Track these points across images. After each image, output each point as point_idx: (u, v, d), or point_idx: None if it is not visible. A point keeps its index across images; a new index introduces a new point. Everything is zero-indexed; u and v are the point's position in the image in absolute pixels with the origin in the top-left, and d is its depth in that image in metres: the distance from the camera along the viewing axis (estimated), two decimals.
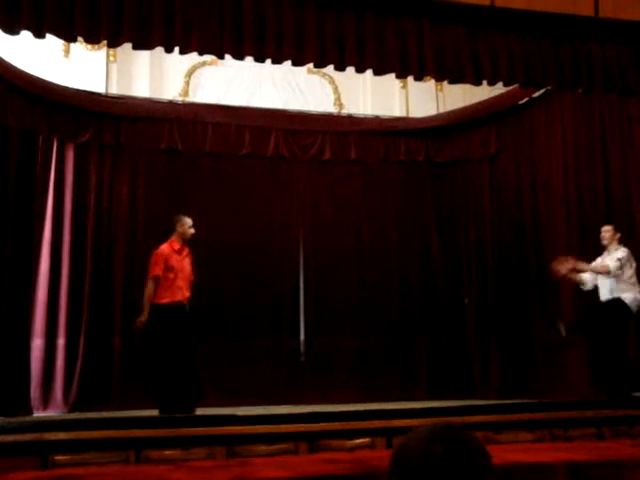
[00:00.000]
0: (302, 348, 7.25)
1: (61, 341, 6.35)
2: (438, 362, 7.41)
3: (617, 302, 5.53)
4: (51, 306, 6.38)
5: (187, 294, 5.46)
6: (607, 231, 5.77)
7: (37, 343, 6.24)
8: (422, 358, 7.42)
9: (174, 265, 5.37)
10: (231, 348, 6.92)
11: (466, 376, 7.32)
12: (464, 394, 7.03)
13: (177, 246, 5.49)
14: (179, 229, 5.52)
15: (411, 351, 7.42)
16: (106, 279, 6.71)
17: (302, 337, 7.27)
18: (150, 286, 5.30)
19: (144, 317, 5.25)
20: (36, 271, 6.34)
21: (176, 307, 5.31)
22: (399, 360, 7.36)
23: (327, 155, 7.53)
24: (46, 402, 6.20)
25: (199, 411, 5.12)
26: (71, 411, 6.20)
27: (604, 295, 5.66)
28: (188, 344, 5.32)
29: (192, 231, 5.57)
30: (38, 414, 6.01)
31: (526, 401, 5.70)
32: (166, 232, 6.89)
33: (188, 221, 5.56)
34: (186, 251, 5.57)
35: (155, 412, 5.05)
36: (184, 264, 5.50)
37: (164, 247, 5.46)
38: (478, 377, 7.29)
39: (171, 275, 5.33)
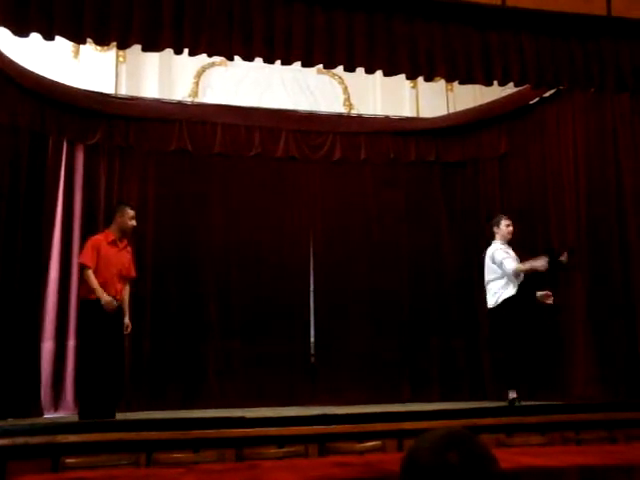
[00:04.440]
0: (312, 350, 7.23)
1: (71, 343, 6.36)
2: (450, 363, 7.37)
3: None
4: (61, 308, 6.39)
5: (119, 288, 5.15)
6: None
7: (47, 345, 6.25)
8: (434, 359, 7.38)
9: (104, 257, 5.06)
10: (241, 351, 6.92)
11: (478, 378, 7.28)
12: (476, 396, 7.01)
13: (112, 237, 5.20)
14: (118, 219, 5.24)
15: (423, 352, 7.38)
16: None
17: (312, 339, 7.25)
18: (88, 272, 4.99)
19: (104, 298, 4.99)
20: (46, 272, 6.35)
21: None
22: (411, 362, 7.32)
23: (337, 155, 7.50)
24: (57, 404, 6.20)
25: (210, 413, 5.11)
26: None
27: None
28: (115, 343, 5.08)
29: (133, 223, 5.29)
30: (49, 415, 6.03)
31: (538, 403, 5.67)
32: (178, 232, 6.97)
33: (130, 212, 5.26)
34: (124, 244, 5.28)
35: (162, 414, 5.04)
36: (119, 257, 5.19)
37: (99, 236, 5.24)
38: (489, 379, 7.25)
39: (101, 267, 5.04)
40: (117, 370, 5.15)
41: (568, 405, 5.39)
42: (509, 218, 5.98)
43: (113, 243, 5.21)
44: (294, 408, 6.26)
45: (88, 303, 5.06)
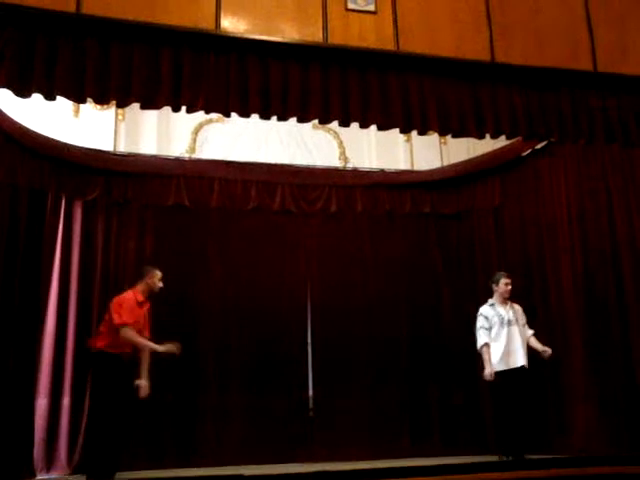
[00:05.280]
0: (310, 403, 7.13)
1: (66, 400, 6.26)
2: (450, 414, 7.27)
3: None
4: (57, 364, 6.31)
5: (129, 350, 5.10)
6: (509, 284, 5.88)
7: (41, 403, 6.14)
8: (434, 410, 7.29)
9: (135, 316, 5.07)
10: (238, 404, 6.82)
11: (479, 429, 7.16)
12: (477, 446, 6.88)
13: (141, 298, 5.23)
14: (148, 280, 5.28)
15: (423, 403, 7.30)
16: None
17: (310, 392, 7.16)
18: (132, 332, 4.97)
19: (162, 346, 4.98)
20: (42, 329, 6.30)
21: (123, 360, 4.99)
22: (410, 413, 7.24)
23: (333, 208, 7.58)
24: (49, 464, 6.06)
25: (209, 471, 5.00)
26: (74, 473, 6.05)
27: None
28: (128, 402, 5.01)
29: (161, 285, 5.35)
30: (41, 476, 5.88)
31: (542, 457, 5.56)
32: (176, 288, 6.93)
33: (158, 274, 5.34)
34: (147, 306, 5.32)
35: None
36: (142, 317, 5.20)
37: (130, 295, 5.19)
38: (491, 430, 7.13)
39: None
40: (126, 427, 5.07)
41: (571, 458, 5.29)
42: (509, 276, 5.99)
43: (140, 304, 5.22)
44: (293, 465, 6.14)
45: (107, 356, 4.97)
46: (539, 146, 7.03)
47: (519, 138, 5.64)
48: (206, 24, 4.52)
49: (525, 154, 7.30)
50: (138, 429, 6.37)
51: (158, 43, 4.39)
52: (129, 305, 5.09)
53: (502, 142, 6.61)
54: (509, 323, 5.78)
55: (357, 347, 7.31)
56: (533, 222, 7.12)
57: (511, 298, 5.97)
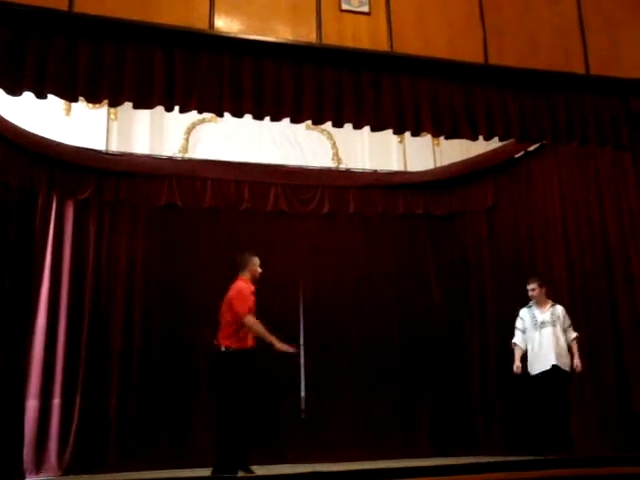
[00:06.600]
0: (303, 405, 7.12)
1: (56, 401, 6.22)
2: (442, 417, 7.28)
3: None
4: (47, 365, 6.28)
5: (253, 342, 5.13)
6: (534, 289, 5.95)
7: (32, 404, 6.10)
8: (426, 413, 7.30)
9: (252, 307, 5.09)
10: None
11: (470, 431, 7.18)
12: (468, 449, 6.90)
13: (252, 287, 5.21)
14: (252, 267, 5.26)
15: (414, 406, 7.31)
16: (104, 337, 6.62)
17: (303, 394, 7.15)
18: (255, 321, 4.98)
19: (281, 344, 4.98)
20: (33, 329, 6.26)
21: (255, 353, 5.04)
22: (402, 415, 7.23)
23: (326, 209, 7.57)
24: (39, 465, 6.01)
25: (200, 472, 4.97)
26: (64, 474, 6.01)
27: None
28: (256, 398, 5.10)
29: (260, 270, 5.35)
30: (30, 478, 5.83)
31: (532, 458, 5.56)
32: (168, 289, 6.91)
33: (257, 260, 5.33)
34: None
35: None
36: (253, 307, 5.19)
37: (244, 285, 5.16)
38: (481, 432, 7.15)
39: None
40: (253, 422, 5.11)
41: (562, 459, 5.29)
42: (531, 282, 6.01)
43: (253, 293, 5.21)
44: (285, 466, 6.12)
45: (244, 353, 4.97)
46: (532, 148, 7.06)
47: (512, 140, 5.65)
48: (200, 24, 4.51)
49: (518, 156, 7.32)
50: (129, 431, 6.34)
51: (151, 42, 4.38)
52: (246, 294, 5.09)
53: (495, 144, 6.62)
54: (542, 325, 5.81)
55: (349, 348, 7.30)
56: (525, 224, 7.14)
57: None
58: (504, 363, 7.02)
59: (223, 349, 5.03)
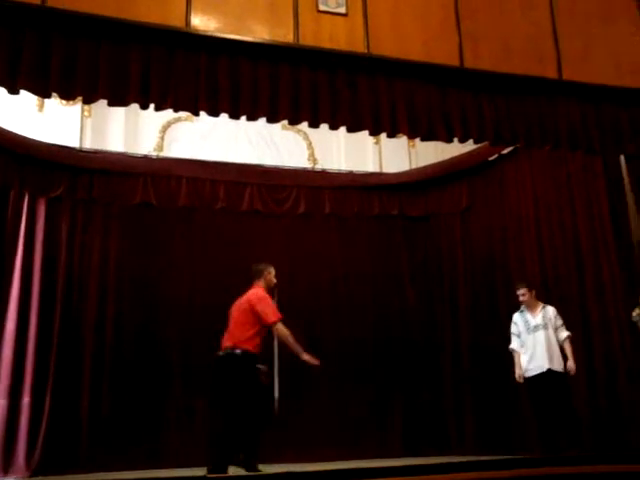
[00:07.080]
0: (276, 405, 7.09)
1: (26, 400, 6.13)
2: (414, 417, 7.33)
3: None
4: (17, 363, 6.19)
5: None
6: (524, 294, 5.90)
7: (0, 403, 6.01)
8: (398, 414, 7.35)
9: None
10: (203, 405, 6.75)
11: (442, 431, 7.24)
12: (440, 449, 6.96)
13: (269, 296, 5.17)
14: (267, 276, 5.25)
15: (388, 404, 7.35)
16: (75, 335, 6.55)
17: (276, 394, 7.13)
18: (286, 329, 4.97)
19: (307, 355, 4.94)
20: (2, 326, 6.18)
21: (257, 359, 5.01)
22: (376, 416, 7.26)
23: (301, 209, 7.58)
24: (7, 467, 5.92)
25: (173, 473, 4.94)
26: (32, 476, 5.92)
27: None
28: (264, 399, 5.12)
29: (275, 280, 5.33)
30: None
31: (505, 457, 5.63)
32: (141, 288, 6.84)
33: (273, 270, 5.32)
34: None
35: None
36: None
37: (264, 292, 5.14)
38: (454, 432, 7.22)
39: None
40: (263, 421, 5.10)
41: (535, 458, 5.36)
42: (519, 287, 5.96)
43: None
44: (260, 466, 6.09)
45: (253, 357, 4.95)
46: (506, 151, 7.15)
47: (486, 143, 5.70)
48: (176, 22, 4.47)
49: (492, 159, 7.42)
50: (102, 431, 6.28)
51: (127, 39, 4.32)
52: (270, 301, 5.07)
53: (470, 146, 6.69)
54: (535, 329, 5.81)
55: (324, 348, 7.26)
56: (499, 226, 7.23)
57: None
58: (477, 364, 7.14)
59: (238, 352, 4.99)
